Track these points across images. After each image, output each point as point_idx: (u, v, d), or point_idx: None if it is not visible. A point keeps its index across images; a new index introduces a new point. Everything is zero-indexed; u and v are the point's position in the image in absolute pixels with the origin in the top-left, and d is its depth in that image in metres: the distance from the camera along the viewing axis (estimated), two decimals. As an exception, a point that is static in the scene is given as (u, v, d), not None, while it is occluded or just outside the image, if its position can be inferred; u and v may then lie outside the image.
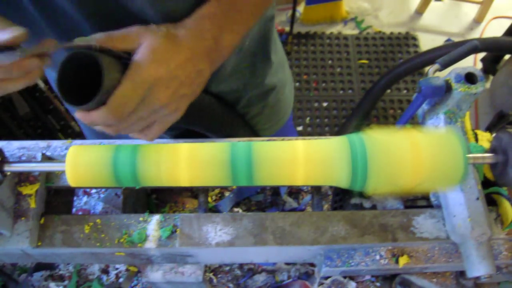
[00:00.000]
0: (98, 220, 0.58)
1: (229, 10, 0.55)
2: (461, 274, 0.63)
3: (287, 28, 2.39)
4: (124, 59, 0.48)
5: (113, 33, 0.47)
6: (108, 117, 0.46)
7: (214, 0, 0.54)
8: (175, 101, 0.50)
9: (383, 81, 1.86)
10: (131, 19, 0.53)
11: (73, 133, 2.13)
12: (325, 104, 2.28)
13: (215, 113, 0.76)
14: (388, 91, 2.29)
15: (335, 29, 2.53)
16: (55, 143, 0.64)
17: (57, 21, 0.57)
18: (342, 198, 0.68)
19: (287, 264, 0.80)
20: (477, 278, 0.54)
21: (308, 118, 2.24)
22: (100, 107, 0.45)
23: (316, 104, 2.28)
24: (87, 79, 0.47)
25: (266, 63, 0.79)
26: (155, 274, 0.62)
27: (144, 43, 0.48)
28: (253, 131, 0.87)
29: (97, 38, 0.46)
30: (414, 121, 0.56)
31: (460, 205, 0.55)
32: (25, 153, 0.61)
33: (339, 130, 2.15)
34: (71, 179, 0.47)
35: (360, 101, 1.97)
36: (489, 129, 1.70)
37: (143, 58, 0.47)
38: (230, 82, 0.75)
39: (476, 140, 0.63)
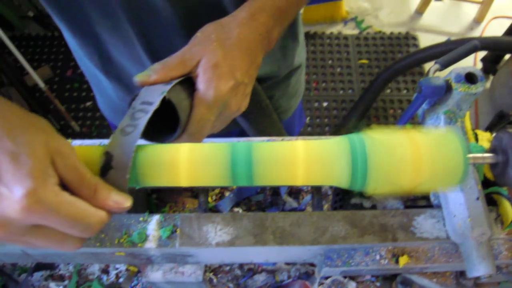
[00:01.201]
0: (98, 220, 0.58)
1: (283, 4, 0.55)
2: (461, 274, 0.63)
3: (287, 28, 2.39)
4: (184, 78, 0.47)
5: (168, 62, 0.47)
6: (189, 141, 0.47)
7: None
8: (242, 102, 0.52)
9: (383, 77, 1.87)
10: (215, 6, 0.54)
11: (73, 133, 2.13)
12: (325, 104, 2.28)
13: (259, 99, 0.76)
14: (388, 91, 2.29)
15: (335, 29, 2.53)
16: (55, 143, 0.63)
17: (136, 6, 0.57)
18: (342, 198, 0.68)
19: (287, 264, 0.80)
20: (477, 278, 0.54)
21: (308, 118, 2.24)
22: (181, 137, 0.46)
23: (316, 104, 2.28)
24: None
25: (294, 43, 0.81)
26: (155, 274, 0.62)
27: (202, 60, 0.47)
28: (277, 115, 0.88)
29: (154, 70, 0.46)
30: (414, 121, 0.56)
31: (460, 205, 0.55)
32: (25, 153, 0.61)
33: (337, 126, 2.15)
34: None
35: (359, 98, 1.97)
36: (489, 129, 1.70)
37: (209, 78, 0.47)
38: (265, 67, 0.75)
39: (476, 140, 0.63)
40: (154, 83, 0.45)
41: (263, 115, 0.79)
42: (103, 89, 0.80)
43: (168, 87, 0.44)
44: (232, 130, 0.88)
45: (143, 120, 0.40)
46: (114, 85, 0.75)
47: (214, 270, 0.80)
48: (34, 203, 0.32)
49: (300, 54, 0.86)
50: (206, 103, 0.46)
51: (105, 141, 0.65)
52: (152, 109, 0.41)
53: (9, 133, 0.33)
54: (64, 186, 0.35)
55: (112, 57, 0.68)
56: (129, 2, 0.56)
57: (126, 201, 0.38)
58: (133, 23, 0.59)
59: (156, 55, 0.64)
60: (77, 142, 0.64)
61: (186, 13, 0.58)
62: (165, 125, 0.47)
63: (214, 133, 0.55)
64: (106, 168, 0.38)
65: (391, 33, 2.50)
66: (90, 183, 0.36)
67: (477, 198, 0.55)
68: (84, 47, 0.67)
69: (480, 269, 0.53)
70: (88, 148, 0.41)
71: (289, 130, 0.98)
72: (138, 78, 0.45)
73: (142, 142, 0.42)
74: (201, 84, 0.47)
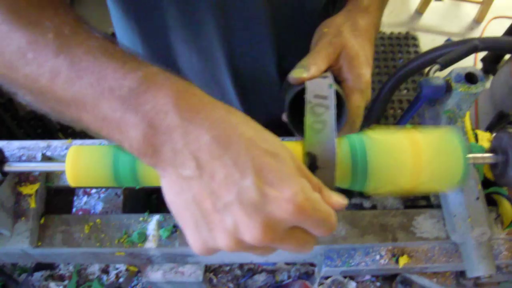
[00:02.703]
0: (98, 220, 0.58)
1: None
2: (461, 274, 0.63)
3: (287, 28, 2.39)
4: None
5: (315, 56, 0.48)
6: (350, 131, 0.48)
7: None
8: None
9: (394, 80, 1.85)
10: (304, 15, 0.56)
11: (73, 133, 2.13)
12: (325, 104, 2.28)
13: None
14: (388, 91, 2.28)
15: (335, 29, 2.53)
16: (55, 143, 0.63)
17: (228, 18, 0.58)
18: (342, 198, 0.68)
19: (287, 264, 0.80)
20: (477, 278, 0.54)
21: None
22: (344, 126, 0.47)
23: (316, 104, 2.27)
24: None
25: None
26: (155, 274, 0.62)
27: (344, 52, 0.49)
28: None
29: (306, 65, 0.46)
30: (414, 121, 0.56)
31: (460, 205, 0.55)
32: (25, 153, 0.61)
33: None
34: (71, 179, 0.47)
35: (370, 107, 1.97)
36: (489, 129, 1.70)
37: (355, 66, 0.48)
38: None
39: (476, 140, 0.63)
40: (311, 78, 0.45)
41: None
42: None
43: (331, 79, 0.45)
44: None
45: (329, 116, 0.40)
46: None
47: (214, 270, 0.80)
48: (304, 201, 0.31)
49: None
50: (359, 90, 0.48)
51: (105, 142, 0.65)
52: (332, 103, 0.41)
53: (258, 135, 0.33)
54: None
55: (180, 69, 0.67)
56: (220, 7, 0.56)
57: (344, 200, 0.36)
58: (218, 30, 0.58)
59: (236, 65, 0.64)
60: (77, 142, 0.64)
61: (275, 19, 0.59)
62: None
63: None
64: (313, 168, 0.38)
65: (391, 33, 2.50)
66: (315, 182, 0.35)
67: (477, 198, 0.55)
68: (152, 57, 0.66)
69: (480, 269, 0.53)
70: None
71: None
72: (295, 74, 0.46)
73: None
74: (349, 73, 0.48)
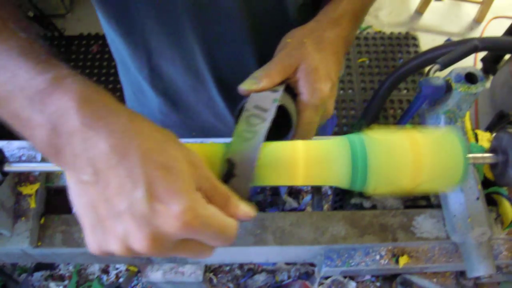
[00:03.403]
0: (98, 220, 0.58)
1: (360, 8, 0.57)
2: (461, 274, 0.63)
3: (287, 28, 2.39)
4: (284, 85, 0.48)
5: (270, 68, 0.47)
6: None
7: None
8: (333, 104, 0.52)
9: (392, 79, 1.85)
10: (283, 18, 0.55)
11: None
12: (325, 104, 2.28)
13: None
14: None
15: (335, 29, 2.53)
16: (55, 143, 0.63)
17: (207, 23, 0.58)
18: (342, 198, 0.68)
19: (287, 264, 0.80)
20: (477, 278, 0.54)
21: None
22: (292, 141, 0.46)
23: (316, 104, 2.27)
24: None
25: None
26: (155, 274, 0.62)
27: (302, 65, 0.48)
28: None
29: (258, 77, 0.46)
30: (414, 121, 0.56)
31: (460, 205, 0.55)
32: (25, 153, 0.61)
33: (347, 133, 2.15)
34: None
35: (368, 104, 1.97)
36: (489, 129, 1.70)
37: (311, 81, 0.47)
38: None
39: (476, 140, 0.63)
40: (261, 90, 0.45)
41: None
42: (146, 101, 0.79)
43: (278, 94, 0.44)
44: None
45: (263, 128, 0.40)
46: (160, 100, 0.74)
47: (214, 270, 0.80)
48: (192, 219, 0.31)
49: None
50: (313, 105, 0.47)
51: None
52: (269, 117, 0.41)
53: (156, 147, 0.32)
54: None
55: (163, 72, 0.67)
56: (197, 13, 0.56)
57: (253, 211, 0.37)
58: (198, 36, 0.59)
59: (217, 68, 0.64)
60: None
61: (254, 24, 0.59)
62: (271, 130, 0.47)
63: None
64: (229, 176, 0.38)
65: (391, 33, 2.50)
66: (222, 192, 0.35)
67: (477, 198, 0.55)
68: (135, 59, 0.66)
69: (480, 269, 0.53)
70: (201, 152, 0.41)
71: (321, 132, 0.98)
72: (245, 86, 0.45)
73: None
74: (305, 88, 0.47)
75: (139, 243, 0.31)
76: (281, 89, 0.46)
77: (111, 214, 0.31)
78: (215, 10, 0.56)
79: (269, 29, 0.58)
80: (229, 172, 0.38)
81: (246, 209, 0.36)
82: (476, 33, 2.50)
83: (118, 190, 0.31)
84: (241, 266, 0.80)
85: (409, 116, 0.62)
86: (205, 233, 0.33)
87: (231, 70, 0.64)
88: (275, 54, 0.50)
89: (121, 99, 0.80)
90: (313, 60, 0.48)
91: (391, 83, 1.85)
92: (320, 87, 0.47)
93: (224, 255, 0.61)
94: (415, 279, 0.65)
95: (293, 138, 0.47)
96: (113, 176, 0.31)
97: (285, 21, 0.60)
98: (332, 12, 0.54)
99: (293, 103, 0.47)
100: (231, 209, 0.35)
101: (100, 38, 2.38)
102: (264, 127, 0.40)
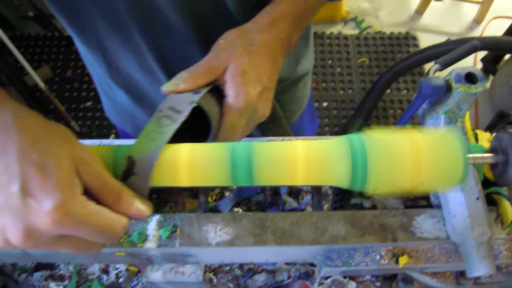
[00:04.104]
0: (98, 220, 0.58)
1: (303, 10, 0.56)
2: (461, 274, 0.63)
3: (287, 28, 2.38)
4: (212, 87, 0.47)
5: (195, 70, 0.47)
6: None
7: None
8: (266, 107, 0.52)
9: (385, 78, 1.86)
10: (226, 16, 0.54)
11: (73, 133, 2.12)
12: (325, 104, 2.28)
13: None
14: (388, 91, 2.29)
15: (335, 29, 2.53)
16: (55, 143, 0.63)
17: (147, 18, 0.57)
18: (342, 198, 0.68)
19: (287, 264, 0.80)
20: (477, 278, 0.54)
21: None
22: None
23: (316, 104, 2.28)
24: None
25: (307, 49, 0.81)
26: (155, 274, 0.62)
27: (230, 67, 0.47)
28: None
29: (182, 78, 0.46)
30: (414, 121, 0.56)
31: (460, 205, 0.55)
32: (25, 153, 0.61)
33: (342, 128, 2.15)
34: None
35: (363, 99, 1.97)
36: (489, 129, 1.70)
37: (238, 84, 0.47)
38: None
39: (476, 140, 0.63)
40: (183, 91, 0.45)
41: (274, 121, 0.78)
42: (113, 94, 0.80)
43: (198, 96, 0.43)
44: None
45: (170, 129, 0.40)
46: (124, 93, 0.75)
47: (214, 270, 0.80)
48: (63, 216, 0.31)
49: (310, 60, 0.86)
50: (237, 108, 0.47)
51: (105, 141, 0.65)
52: (181, 119, 0.41)
53: (34, 145, 0.33)
54: (88, 192, 0.35)
55: (120, 68, 0.68)
56: (141, 15, 0.56)
57: (148, 209, 0.37)
58: (145, 36, 0.59)
59: (167, 64, 0.64)
60: (77, 142, 0.64)
61: (197, 24, 0.59)
62: (193, 132, 0.46)
63: None
64: (128, 174, 0.38)
65: (391, 33, 2.50)
66: (114, 189, 0.36)
67: (477, 198, 0.55)
68: (93, 55, 0.67)
69: (480, 269, 0.53)
70: (105, 150, 0.41)
71: (298, 133, 0.98)
72: (166, 87, 0.45)
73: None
74: (231, 90, 0.47)
75: (14, 236, 0.32)
76: (204, 90, 0.45)
77: None
78: (156, 13, 0.56)
79: (214, 28, 0.56)
80: (128, 170, 0.38)
81: (140, 207, 0.37)
82: (476, 33, 2.50)
83: None
84: (241, 266, 0.80)
85: (409, 116, 0.62)
86: (82, 230, 0.33)
87: (181, 67, 0.65)
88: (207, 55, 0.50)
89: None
90: (241, 62, 0.47)
91: (385, 81, 1.86)
92: (246, 90, 0.47)
93: (224, 255, 0.62)
94: (416, 275, 0.64)
95: (214, 140, 0.46)
96: None
97: (229, 19, 0.59)
98: (270, 13, 0.53)
99: (217, 106, 0.46)
100: (122, 206, 0.36)
101: (100, 38, 2.39)
102: (172, 128, 0.40)
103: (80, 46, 0.69)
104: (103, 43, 0.63)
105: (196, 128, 0.46)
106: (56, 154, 0.33)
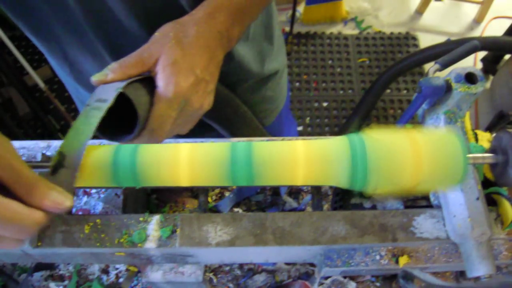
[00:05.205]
0: (98, 220, 0.58)
1: (242, 3, 0.55)
2: (461, 274, 0.63)
3: (287, 28, 2.39)
4: (144, 77, 0.47)
5: (125, 60, 0.47)
6: (151, 139, 0.47)
7: None
8: (204, 99, 0.51)
9: (384, 78, 1.86)
10: (179, 14, 0.53)
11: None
12: (325, 104, 2.28)
13: (229, 101, 0.75)
14: (388, 91, 2.29)
15: (335, 29, 2.53)
16: (55, 143, 0.63)
17: (101, 21, 0.57)
18: (342, 198, 0.68)
19: (287, 264, 0.80)
20: (477, 278, 0.54)
21: (308, 118, 2.24)
22: (141, 134, 0.46)
23: (316, 104, 2.28)
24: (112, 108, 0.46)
25: (270, 48, 0.80)
26: (155, 274, 0.62)
27: (161, 58, 0.47)
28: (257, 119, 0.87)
29: (111, 69, 0.46)
30: (414, 121, 0.56)
31: (460, 205, 0.55)
32: (25, 153, 0.61)
33: (341, 128, 2.15)
34: (71, 179, 0.47)
35: (361, 99, 1.98)
36: (489, 129, 1.69)
37: (168, 74, 0.47)
38: (236, 71, 0.75)
39: (476, 140, 0.63)
40: (111, 81, 0.45)
41: (241, 121, 0.78)
42: (81, 96, 0.80)
43: (123, 84, 0.44)
44: (209, 135, 0.88)
45: (96, 119, 0.40)
46: (89, 94, 0.75)
47: (214, 270, 0.80)
48: None
49: (278, 59, 0.85)
50: (166, 98, 0.47)
51: (105, 141, 0.65)
52: (105, 106, 0.41)
53: None
54: (2, 187, 0.34)
55: (81, 69, 0.68)
56: (94, 16, 0.56)
57: (66, 201, 0.36)
58: (99, 35, 0.59)
59: None
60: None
61: (150, 23, 0.58)
62: (128, 125, 0.47)
63: (183, 134, 0.55)
64: (58, 167, 0.38)
65: (391, 33, 2.50)
66: (26, 181, 0.35)
67: (477, 198, 0.55)
68: (54, 57, 0.67)
69: (480, 269, 0.53)
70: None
71: (276, 135, 0.97)
72: (95, 78, 0.45)
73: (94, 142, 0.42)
74: (161, 80, 0.47)
75: None
76: (131, 79, 0.45)
77: None
78: (109, 13, 0.56)
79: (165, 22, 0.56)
80: (58, 164, 0.38)
81: (55, 198, 0.35)
82: (476, 33, 2.50)
83: None
84: (241, 266, 0.80)
85: (409, 116, 0.62)
86: None
87: None
88: None
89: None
90: (173, 53, 0.47)
91: (384, 81, 1.86)
92: (176, 81, 0.47)
93: (224, 255, 0.61)
94: (417, 272, 0.64)
95: (143, 130, 0.46)
96: None
97: (179, 12, 0.58)
98: (207, 6, 0.53)
99: (148, 96, 0.46)
100: (35, 198, 0.35)
101: (100, 38, 2.39)
102: (98, 117, 0.40)
103: (43, 51, 0.68)
104: (63, 46, 0.63)
105: (129, 120, 0.46)
106: None
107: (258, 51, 0.77)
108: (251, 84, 0.80)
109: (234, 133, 0.79)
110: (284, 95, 0.96)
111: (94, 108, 0.41)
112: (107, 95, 0.42)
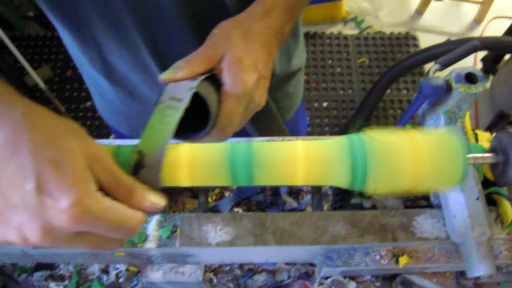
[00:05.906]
0: (98, 220, 0.58)
1: (294, 0, 0.56)
2: (461, 274, 0.63)
3: (287, 28, 2.38)
4: (209, 75, 0.47)
5: (192, 58, 0.47)
6: (219, 137, 0.47)
7: None
8: (263, 96, 0.52)
9: (386, 78, 1.86)
10: (222, 11, 0.54)
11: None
12: (325, 104, 2.28)
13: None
14: (388, 91, 2.29)
15: (335, 29, 2.53)
16: (55, 143, 0.63)
17: (145, 16, 0.57)
18: (342, 198, 0.68)
19: (287, 264, 0.80)
20: (477, 278, 0.54)
21: (308, 118, 2.24)
22: (211, 132, 0.46)
23: (316, 104, 2.28)
24: None
25: (296, 44, 0.81)
26: (155, 274, 0.62)
27: (226, 56, 0.48)
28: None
29: (179, 67, 0.46)
30: (414, 121, 0.56)
31: (460, 205, 0.55)
32: (25, 153, 0.61)
33: (342, 128, 2.15)
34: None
35: (363, 100, 1.97)
36: (489, 129, 1.70)
37: (235, 71, 0.47)
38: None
39: (476, 140, 0.63)
40: (180, 80, 0.45)
41: (268, 116, 0.78)
42: (104, 93, 0.80)
43: (196, 82, 0.43)
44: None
45: (174, 118, 0.40)
46: (117, 90, 0.75)
47: (214, 270, 0.80)
48: (80, 213, 0.31)
49: (301, 56, 0.86)
50: (234, 95, 0.47)
51: (105, 141, 0.65)
52: (182, 106, 0.41)
53: (48, 142, 0.33)
54: (101, 189, 0.35)
55: (114, 65, 0.68)
56: (138, 10, 0.56)
57: (162, 201, 0.37)
58: (140, 29, 0.59)
59: (163, 61, 0.64)
60: (77, 142, 0.64)
61: (192, 17, 0.59)
62: (193, 120, 0.46)
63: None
64: (138, 167, 0.38)
65: (391, 33, 2.50)
66: (126, 184, 0.36)
67: (477, 198, 0.55)
68: (86, 52, 0.67)
69: (480, 269, 0.53)
70: (117, 146, 0.41)
71: (293, 130, 0.98)
72: (164, 76, 0.45)
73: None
74: (228, 78, 0.47)
75: (32, 234, 0.32)
76: (201, 77, 0.45)
77: (7, 205, 0.32)
78: (154, 7, 0.56)
79: (210, 20, 0.56)
80: (138, 163, 0.38)
81: (153, 200, 0.37)
82: (476, 33, 2.50)
83: (10, 183, 0.32)
84: (241, 266, 0.80)
85: (409, 116, 0.62)
86: (99, 226, 0.33)
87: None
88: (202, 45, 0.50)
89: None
90: (238, 50, 0.48)
91: (386, 81, 1.86)
92: (243, 78, 0.47)
93: (224, 255, 0.61)
94: (415, 278, 0.65)
95: (213, 128, 0.46)
96: (5, 169, 0.32)
97: (224, 11, 0.59)
98: (263, 3, 0.53)
99: (215, 93, 0.46)
100: (136, 201, 0.36)
101: (100, 38, 2.39)
102: (176, 117, 0.40)
103: (72, 45, 0.69)
104: (98, 40, 0.63)
105: (196, 116, 0.46)
106: (69, 150, 0.33)
107: (285, 47, 0.78)
108: (276, 81, 0.81)
109: (258, 128, 0.79)
110: (301, 93, 0.96)
111: (169, 107, 0.41)
112: (182, 94, 0.42)
